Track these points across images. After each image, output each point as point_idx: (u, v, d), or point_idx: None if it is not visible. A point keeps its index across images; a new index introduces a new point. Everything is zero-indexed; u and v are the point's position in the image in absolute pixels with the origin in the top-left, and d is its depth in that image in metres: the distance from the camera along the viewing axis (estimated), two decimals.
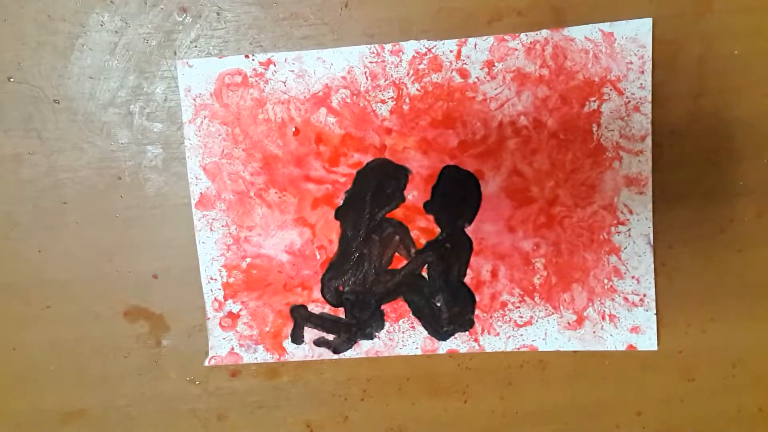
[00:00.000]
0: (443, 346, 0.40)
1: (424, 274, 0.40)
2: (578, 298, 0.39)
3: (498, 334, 0.40)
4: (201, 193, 0.39)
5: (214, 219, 0.39)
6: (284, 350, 0.41)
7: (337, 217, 0.39)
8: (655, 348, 0.40)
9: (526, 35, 0.37)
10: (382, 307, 0.40)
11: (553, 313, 0.40)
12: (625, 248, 0.39)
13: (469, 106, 0.38)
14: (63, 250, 0.40)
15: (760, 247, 0.39)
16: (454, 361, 0.41)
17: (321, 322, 0.40)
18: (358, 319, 0.40)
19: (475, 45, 0.37)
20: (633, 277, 0.39)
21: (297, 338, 0.41)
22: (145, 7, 0.38)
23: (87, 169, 0.39)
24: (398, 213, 0.39)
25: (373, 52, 0.38)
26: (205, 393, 0.42)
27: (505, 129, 0.38)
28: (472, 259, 0.39)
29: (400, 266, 0.40)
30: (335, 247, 0.40)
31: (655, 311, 0.39)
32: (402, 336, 0.40)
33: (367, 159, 0.39)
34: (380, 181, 0.39)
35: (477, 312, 0.40)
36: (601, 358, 0.41)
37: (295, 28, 0.38)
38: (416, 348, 0.40)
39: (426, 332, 0.40)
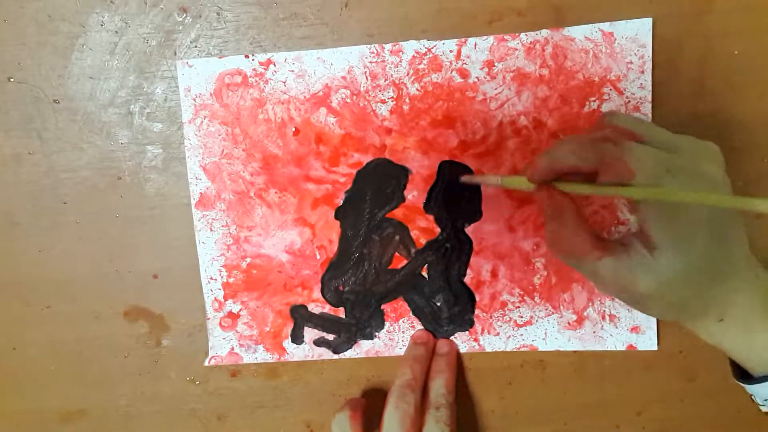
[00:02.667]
0: None
1: (424, 274, 0.40)
2: (578, 297, 0.39)
3: (498, 333, 0.40)
4: (201, 193, 0.39)
5: (214, 219, 0.39)
6: (284, 350, 0.41)
7: (337, 217, 0.39)
8: (655, 348, 0.40)
9: (526, 35, 0.37)
10: (382, 307, 0.40)
11: (553, 313, 0.40)
12: None
13: (469, 106, 0.38)
14: (63, 250, 0.40)
15: (760, 247, 0.39)
16: None
17: (321, 322, 0.40)
18: (358, 319, 0.40)
19: (475, 45, 0.37)
20: None
21: (297, 338, 0.41)
22: (145, 7, 0.38)
23: (87, 169, 0.39)
24: (398, 213, 0.39)
25: (373, 52, 0.38)
26: (205, 393, 0.42)
27: (505, 129, 0.38)
28: (472, 259, 0.39)
29: (400, 266, 0.40)
30: (335, 247, 0.40)
31: None
32: (402, 336, 0.40)
33: (367, 159, 0.39)
34: (380, 181, 0.39)
35: (477, 312, 0.40)
36: (601, 358, 0.41)
37: (295, 28, 0.38)
38: None
39: None
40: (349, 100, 0.38)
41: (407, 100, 0.38)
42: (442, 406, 0.36)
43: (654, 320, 0.39)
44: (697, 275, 0.29)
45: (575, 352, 0.40)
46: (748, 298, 0.30)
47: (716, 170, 0.29)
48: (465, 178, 0.38)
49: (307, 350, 0.41)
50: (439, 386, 0.37)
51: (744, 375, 0.33)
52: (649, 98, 0.37)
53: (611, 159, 0.28)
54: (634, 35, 0.37)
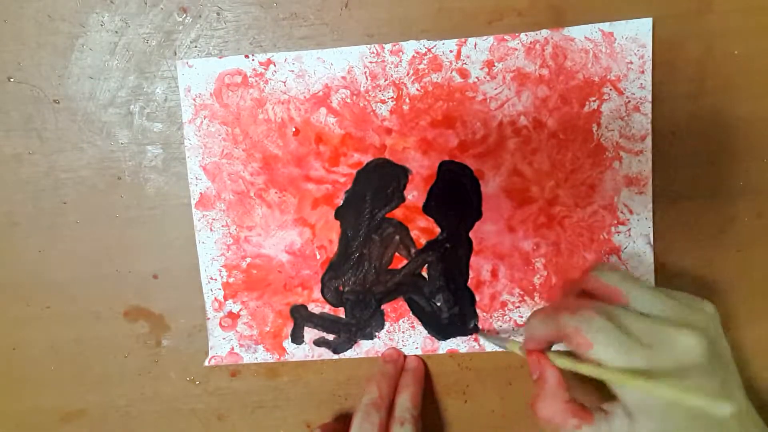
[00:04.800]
0: (443, 346, 0.40)
1: (424, 274, 0.40)
2: None
3: (498, 333, 0.40)
4: (201, 193, 0.39)
5: (214, 219, 0.39)
6: (284, 350, 0.41)
7: (337, 217, 0.39)
8: None
9: (526, 35, 0.37)
10: (382, 307, 0.40)
11: None
12: (625, 248, 0.39)
13: (469, 106, 0.38)
14: (63, 250, 0.40)
15: (760, 247, 0.39)
16: (454, 361, 0.41)
17: (321, 322, 0.40)
18: (358, 319, 0.40)
19: (475, 45, 0.37)
20: None
21: (297, 338, 0.41)
22: (145, 7, 0.38)
23: (87, 169, 0.39)
24: (398, 213, 0.39)
25: (373, 52, 0.38)
26: (205, 393, 0.42)
27: (505, 129, 0.38)
28: (472, 259, 0.39)
29: (400, 266, 0.40)
30: (335, 247, 0.40)
31: None
32: (402, 336, 0.40)
33: (367, 159, 0.39)
34: (380, 181, 0.39)
35: (477, 312, 0.40)
36: None
37: (295, 28, 0.38)
38: (416, 348, 0.40)
39: (426, 332, 0.40)
40: (349, 100, 0.38)
41: (407, 100, 0.38)
42: (407, 421, 0.36)
43: None
44: None
45: None
46: None
47: (697, 344, 0.27)
48: (482, 336, 0.40)
49: (307, 350, 0.41)
50: (405, 400, 0.37)
51: None
52: (649, 98, 0.37)
53: (568, 330, 0.28)
54: (634, 35, 0.37)
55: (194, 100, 0.38)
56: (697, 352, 0.27)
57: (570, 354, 0.30)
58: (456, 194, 0.39)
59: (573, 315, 0.28)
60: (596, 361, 0.28)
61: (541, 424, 0.31)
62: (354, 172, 0.39)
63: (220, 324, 0.40)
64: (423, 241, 0.39)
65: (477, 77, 0.38)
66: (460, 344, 0.40)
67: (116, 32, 0.38)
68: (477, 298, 0.40)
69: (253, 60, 0.38)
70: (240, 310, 0.40)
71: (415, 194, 0.39)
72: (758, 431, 0.30)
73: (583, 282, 0.32)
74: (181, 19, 0.38)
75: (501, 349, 0.40)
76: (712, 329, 0.29)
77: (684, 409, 0.27)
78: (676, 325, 0.28)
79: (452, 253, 0.39)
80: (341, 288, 0.40)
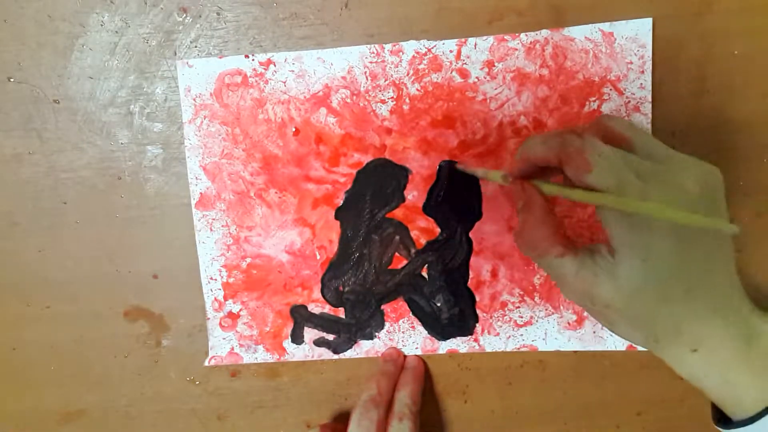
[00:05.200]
0: (443, 346, 0.40)
1: (424, 274, 0.40)
2: None
3: (498, 334, 0.40)
4: (201, 193, 0.39)
5: (214, 219, 0.39)
6: (284, 350, 0.41)
7: (337, 217, 0.39)
8: None
9: (526, 35, 0.37)
10: (382, 307, 0.40)
11: (553, 313, 0.40)
12: None
13: (469, 106, 0.38)
14: (63, 250, 0.40)
15: (760, 247, 0.39)
16: (454, 361, 0.41)
17: (321, 322, 0.40)
18: (358, 319, 0.40)
19: (475, 45, 0.37)
20: None
21: (297, 338, 0.41)
22: (145, 7, 0.38)
23: (87, 169, 0.39)
24: (398, 213, 0.39)
25: (373, 52, 0.38)
26: (205, 393, 0.42)
27: (505, 129, 0.38)
28: (472, 259, 0.39)
29: (400, 266, 0.40)
30: (335, 247, 0.40)
31: None
32: (402, 336, 0.40)
33: (367, 159, 0.39)
34: (380, 181, 0.39)
35: (477, 312, 0.40)
36: (601, 358, 0.41)
37: (295, 28, 0.38)
38: (416, 348, 0.40)
39: (426, 332, 0.40)
40: (349, 100, 0.38)
41: (407, 100, 0.38)
42: (405, 417, 0.36)
43: None
44: (662, 286, 0.27)
45: (575, 352, 0.40)
46: (726, 329, 0.28)
47: (701, 189, 0.27)
48: (460, 166, 0.38)
49: (307, 350, 0.41)
50: (404, 396, 0.37)
51: (724, 419, 0.30)
52: (649, 98, 0.37)
53: (570, 149, 0.27)
54: (634, 35, 0.37)
55: (194, 100, 0.38)
56: (695, 192, 0.27)
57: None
58: (456, 194, 0.39)
59: (579, 137, 0.28)
60: (592, 185, 0.27)
61: (523, 251, 0.30)
62: (354, 172, 0.39)
63: (220, 324, 0.40)
64: (423, 241, 0.39)
65: (477, 77, 0.38)
66: (460, 344, 0.40)
67: (116, 32, 0.38)
68: (477, 299, 0.40)
69: (253, 60, 0.38)
70: (240, 310, 0.40)
71: (415, 194, 0.39)
72: (742, 293, 0.30)
73: (589, 126, 0.31)
74: (181, 19, 0.38)
75: (498, 350, 0.40)
76: (712, 181, 0.28)
77: (668, 247, 0.26)
78: (685, 171, 0.27)
79: (452, 253, 0.39)
80: (341, 288, 0.40)
